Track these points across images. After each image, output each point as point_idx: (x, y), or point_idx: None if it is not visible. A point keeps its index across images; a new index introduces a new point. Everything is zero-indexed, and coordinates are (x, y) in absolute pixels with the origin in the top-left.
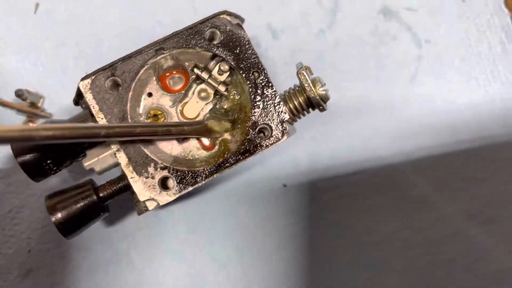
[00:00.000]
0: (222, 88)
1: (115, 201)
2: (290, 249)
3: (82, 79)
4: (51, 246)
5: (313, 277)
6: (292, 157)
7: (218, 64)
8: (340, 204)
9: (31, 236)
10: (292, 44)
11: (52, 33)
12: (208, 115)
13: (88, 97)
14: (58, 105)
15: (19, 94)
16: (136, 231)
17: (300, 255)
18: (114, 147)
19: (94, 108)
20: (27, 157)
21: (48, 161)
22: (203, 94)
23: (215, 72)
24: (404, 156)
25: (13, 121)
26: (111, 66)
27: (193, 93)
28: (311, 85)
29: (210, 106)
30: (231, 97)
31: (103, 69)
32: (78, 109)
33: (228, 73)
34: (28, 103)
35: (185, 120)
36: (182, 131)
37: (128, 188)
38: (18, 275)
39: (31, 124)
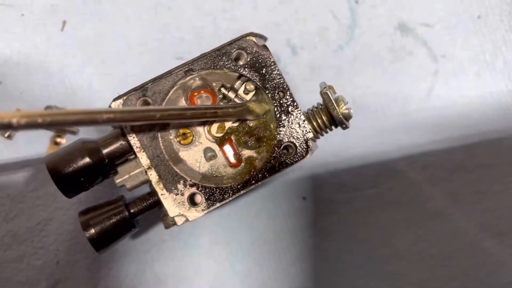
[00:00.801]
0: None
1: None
2: (309, 261)
3: (114, 99)
4: (78, 258)
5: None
6: (312, 171)
7: (244, 84)
8: (357, 217)
9: (59, 248)
10: (311, 60)
11: (78, 51)
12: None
13: None
14: None
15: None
16: (160, 243)
17: (318, 267)
18: (145, 165)
19: (126, 127)
20: (62, 175)
21: (81, 179)
22: None
23: (241, 91)
24: (420, 170)
25: (41, 137)
26: (142, 87)
27: None
28: (334, 104)
29: (236, 124)
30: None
31: (135, 90)
32: (104, 128)
33: (253, 92)
34: None
35: (211, 138)
36: (227, 113)
37: (157, 204)
38: (46, 286)
39: (58, 140)
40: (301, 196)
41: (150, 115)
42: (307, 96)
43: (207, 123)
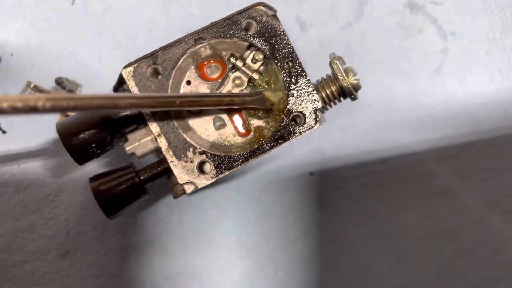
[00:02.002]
0: (255, 76)
1: (149, 187)
2: (315, 235)
3: (125, 66)
4: (88, 228)
5: (336, 263)
6: (318, 146)
7: (253, 53)
8: (364, 193)
9: (69, 219)
10: (320, 36)
11: (88, 25)
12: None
13: (131, 84)
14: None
15: (59, 82)
16: (168, 215)
17: (324, 242)
18: (155, 132)
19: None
20: (73, 140)
21: (93, 145)
22: (237, 82)
23: (249, 60)
24: (427, 146)
25: None
26: (153, 55)
27: (229, 80)
28: (344, 74)
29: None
30: (266, 85)
31: (145, 57)
32: None
33: (262, 62)
34: (67, 91)
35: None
36: (244, 102)
37: (167, 171)
38: (56, 255)
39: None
40: (308, 172)
41: (170, 101)
42: (315, 72)
43: (216, 91)
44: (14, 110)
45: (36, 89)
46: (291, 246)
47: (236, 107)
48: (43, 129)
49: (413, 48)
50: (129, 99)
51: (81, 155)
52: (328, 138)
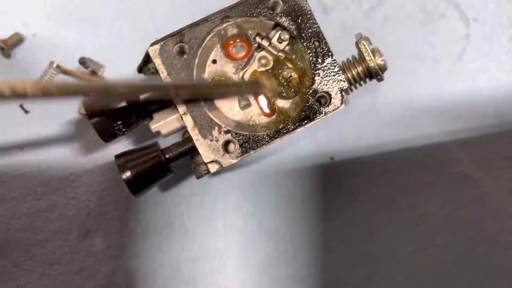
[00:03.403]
0: (282, 56)
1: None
2: (335, 220)
3: (152, 44)
4: (109, 209)
5: (356, 248)
6: (340, 132)
7: (279, 33)
8: (384, 179)
9: (90, 199)
10: (343, 20)
11: (110, 5)
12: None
13: (157, 62)
14: (117, 74)
15: (82, 62)
16: (190, 197)
17: (344, 227)
18: (181, 111)
19: (163, 72)
20: (100, 118)
21: (119, 123)
22: (263, 61)
23: (274, 40)
24: (449, 133)
25: None
26: (179, 33)
27: (254, 60)
28: (371, 54)
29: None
30: (291, 66)
31: (172, 35)
32: (136, 78)
33: (287, 41)
34: (90, 71)
35: None
36: (241, 90)
37: (192, 150)
38: (77, 235)
39: None
40: (329, 156)
41: (165, 87)
42: (338, 56)
43: (242, 70)
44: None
45: (59, 69)
46: (311, 231)
47: (232, 95)
48: (65, 109)
49: (435, 34)
50: (122, 87)
51: (107, 132)
52: (349, 123)
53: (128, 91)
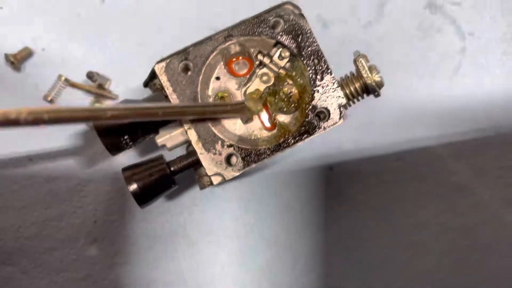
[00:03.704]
0: (282, 72)
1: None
2: (334, 229)
3: (158, 62)
4: (115, 217)
5: (354, 256)
6: (339, 142)
7: (280, 51)
8: (382, 188)
9: (97, 208)
10: (341, 35)
11: (118, 21)
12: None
13: (163, 79)
14: (123, 88)
15: (90, 76)
16: (192, 207)
17: (343, 235)
18: (186, 126)
19: (168, 89)
20: (108, 132)
21: (125, 137)
22: (264, 78)
23: (275, 57)
24: (445, 144)
25: (81, 103)
26: (185, 51)
27: (256, 76)
28: (368, 71)
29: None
30: (291, 82)
31: (177, 53)
32: (142, 92)
33: (288, 59)
34: (97, 85)
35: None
36: (226, 111)
37: (196, 163)
38: (84, 243)
39: (97, 105)
40: (328, 167)
41: (153, 112)
42: (336, 71)
43: (244, 86)
44: None
45: (67, 82)
46: (310, 239)
47: (218, 115)
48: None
49: (432, 48)
50: (111, 111)
51: (114, 146)
52: (348, 134)
53: (118, 115)
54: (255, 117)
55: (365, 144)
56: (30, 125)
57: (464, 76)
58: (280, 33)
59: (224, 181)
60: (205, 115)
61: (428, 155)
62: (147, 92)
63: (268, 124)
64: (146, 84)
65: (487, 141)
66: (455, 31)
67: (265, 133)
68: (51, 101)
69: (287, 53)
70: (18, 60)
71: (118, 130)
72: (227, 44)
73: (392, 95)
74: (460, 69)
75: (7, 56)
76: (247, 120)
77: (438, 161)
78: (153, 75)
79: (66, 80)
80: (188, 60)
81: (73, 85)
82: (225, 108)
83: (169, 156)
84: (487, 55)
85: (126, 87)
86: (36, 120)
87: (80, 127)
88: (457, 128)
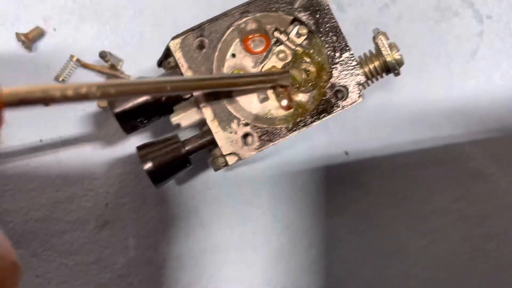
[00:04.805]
0: (300, 50)
1: None
2: (349, 214)
3: (173, 38)
4: (126, 200)
5: (369, 242)
6: (353, 126)
7: (297, 27)
8: (398, 174)
9: (108, 191)
10: (357, 17)
11: (129, 2)
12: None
13: (178, 55)
14: (136, 69)
15: (102, 55)
16: (205, 190)
17: (358, 220)
18: (201, 104)
19: (183, 66)
20: (123, 110)
21: (140, 115)
22: (281, 56)
23: (292, 34)
24: (462, 129)
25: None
26: (200, 27)
27: (272, 54)
28: (388, 49)
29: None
30: (309, 60)
31: (192, 29)
32: (154, 74)
33: (305, 36)
34: (109, 65)
35: None
36: (273, 80)
37: (211, 142)
38: (95, 226)
39: None
40: (343, 151)
41: (203, 84)
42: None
43: (260, 64)
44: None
45: (79, 62)
46: (324, 224)
47: (265, 85)
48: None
49: (449, 31)
50: (169, 83)
51: (129, 124)
52: (363, 117)
53: (178, 87)
54: (272, 96)
55: (381, 128)
56: (98, 99)
57: (482, 59)
58: (298, 9)
59: (240, 160)
60: (252, 85)
61: (444, 141)
62: (160, 73)
63: (284, 104)
64: (160, 63)
65: (504, 127)
66: (472, 14)
67: (282, 112)
68: (63, 81)
69: (305, 30)
70: (29, 40)
71: (133, 108)
72: (243, 20)
73: (409, 80)
74: (478, 52)
75: (18, 36)
76: (263, 98)
77: (455, 146)
78: (167, 53)
79: (78, 60)
80: (204, 37)
81: (85, 65)
82: (272, 77)
83: (183, 137)
84: (504, 38)
85: (138, 68)
86: (104, 94)
87: (91, 108)
88: (474, 113)
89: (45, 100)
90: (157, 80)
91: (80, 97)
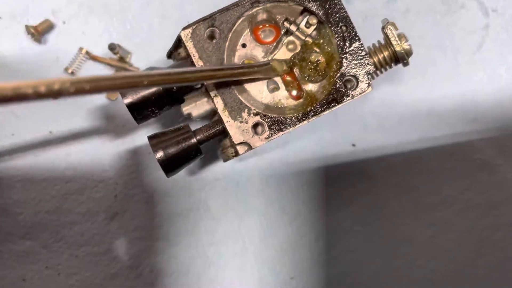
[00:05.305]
0: (309, 40)
1: None
2: (356, 205)
3: (184, 28)
4: (136, 192)
5: (376, 232)
6: (361, 118)
7: (307, 18)
8: (405, 165)
9: (118, 182)
10: (364, 10)
11: None
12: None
13: (189, 45)
14: (145, 61)
15: (112, 47)
16: (214, 182)
17: (365, 211)
18: (212, 93)
19: (194, 56)
20: (134, 100)
21: (152, 105)
22: (291, 46)
23: (302, 25)
24: (468, 120)
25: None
26: (211, 17)
27: (282, 44)
28: (397, 39)
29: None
30: (319, 50)
31: (203, 19)
32: (163, 64)
33: (315, 26)
34: (118, 57)
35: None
36: (253, 72)
37: (221, 132)
38: (105, 217)
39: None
40: (350, 143)
41: (185, 77)
42: None
43: (271, 54)
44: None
45: (88, 55)
46: (332, 215)
47: (247, 77)
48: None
49: (455, 24)
50: (147, 77)
51: (140, 114)
52: (370, 109)
53: (154, 81)
54: (282, 85)
55: (388, 120)
56: (72, 96)
57: (488, 52)
58: (308, 0)
59: (250, 150)
60: (234, 77)
61: (451, 132)
62: (168, 64)
63: (295, 93)
64: (170, 54)
65: (510, 118)
66: (478, 6)
67: (292, 102)
68: (72, 74)
69: (314, 21)
70: (38, 32)
71: (145, 98)
72: (253, 10)
73: (415, 71)
74: (484, 45)
75: (28, 28)
76: (273, 88)
77: (462, 137)
78: (178, 43)
79: (87, 53)
80: (215, 27)
81: (94, 58)
82: (252, 69)
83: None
84: (510, 31)
85: (147, 60)
86: (78, 90)
87: (101, 100)
88: (481, 104)
89: (18, 98)
90: (134, 74)
91: (53, 93)
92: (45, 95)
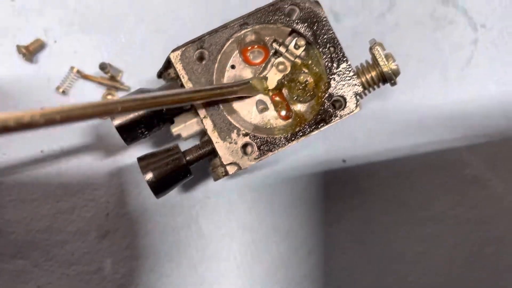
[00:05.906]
0: (298, 61)
1: None
2: (348, 220)
3: (173, 50)
4: (127, 210)
5: (368, 248)
6: (351, 134)
7: (295, 39)
8: (396, 180)
9: (109, 201)
10: (353, 27)
11: (131, 10)
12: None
13: (178, 67)
14: (136, 80)
15: (102, 67)
16: (205, 199)
17: (356, 227)
18: (201, 114)
19: (184, 77)
20: (124, 122)
21: (141, 126)
22: (280, 67)
23: (291, 46)
24: (458, 136)
25: (93, 94)
26: (200, 39)
27: (272, 66)
28: (384, 60)
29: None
30: (307, 70)
31: (192, 41)
32: (154, 84)
33: (303, 47)
34: (109, 76)
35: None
36: (233, 92)
37: (211, 153)
38: (96, 236)
39: (109, 97)
40: (341, 159)
41: (163, 101)
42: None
43: (259, 75)
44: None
45: (79, 74)
46: (323, 232)
47: (225, 97)
48: None
49: (444, 39)
50: (121, 103)
51: (130, 135)
52: (360, 125)
53: (129, 107)
54: (271, 106)
55: (378, 135)
56: (43, 127)
57: (476, 67)
58: (296, 21)
59: (240, 170)
60: (213, 97)
61: (441, 147)
62: (159, 83)
63: (283, 113)
64: (160, 74)
65: (500, 132)
66: (467, 22)
67: (281, 122)
68: (63, 93)
69: (303, 42)
70: (30, 52)
71: (134, 120)
72: (242, 32)
73: (404, 86)
74: (472, 60)
75: (19, 48)
76: (263, 108)
77: (452, 152)
78: (167, 64)
79: (78, 71)
80: (204, 49)
81: (85, 76)
82: (231, 89)
83: (183, 148)
84: (498, 46)
85: (138, 79)
86: (49, 121)
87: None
88: (470, 119)
89: None
90: (106, 102)
91: (23, 126)
92: (15, 128)
